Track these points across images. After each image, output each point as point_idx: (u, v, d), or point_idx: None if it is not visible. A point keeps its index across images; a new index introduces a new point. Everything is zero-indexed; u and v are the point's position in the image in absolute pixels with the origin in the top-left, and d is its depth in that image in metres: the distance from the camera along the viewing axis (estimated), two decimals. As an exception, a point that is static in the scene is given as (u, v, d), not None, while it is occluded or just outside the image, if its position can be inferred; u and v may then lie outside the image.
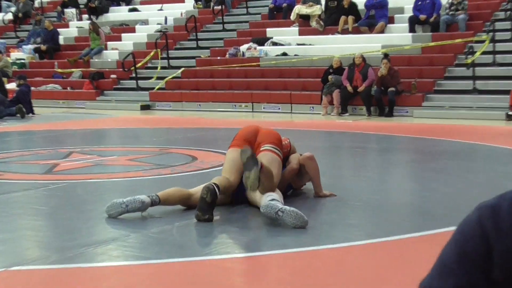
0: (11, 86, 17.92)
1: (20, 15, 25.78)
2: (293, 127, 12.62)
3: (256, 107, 16.87)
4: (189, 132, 12.70)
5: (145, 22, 23.00)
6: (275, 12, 20.53)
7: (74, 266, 4.27)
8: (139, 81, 19.23)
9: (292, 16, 19.42)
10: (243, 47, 18.70)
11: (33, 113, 16.48)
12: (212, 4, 21.78)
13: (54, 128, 13.56)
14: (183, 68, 19.07)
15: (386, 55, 15.25)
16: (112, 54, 21.35)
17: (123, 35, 22.35)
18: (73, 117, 16.38)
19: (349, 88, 15.27)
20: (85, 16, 24.62)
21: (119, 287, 3.98)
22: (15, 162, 8.99)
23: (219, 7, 21.21)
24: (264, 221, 5.27)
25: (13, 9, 26.41)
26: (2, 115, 15.71)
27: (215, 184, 5.37)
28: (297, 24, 19.35)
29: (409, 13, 17.57)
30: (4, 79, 17.73)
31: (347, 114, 15.37)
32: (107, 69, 20.58)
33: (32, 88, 17.85)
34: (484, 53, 15.16)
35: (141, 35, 21.90)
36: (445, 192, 6.48)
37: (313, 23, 18.87)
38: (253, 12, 21.45)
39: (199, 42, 20.47)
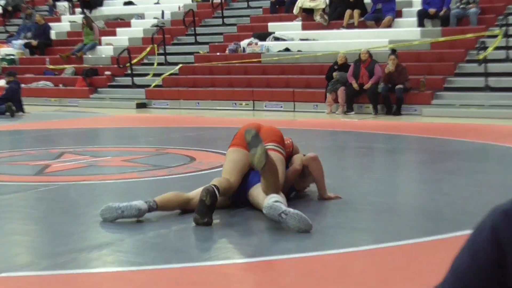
0: (0, 83, 17.93)
1: (9, 8, 25.81)
2: (296, 126, 12.61)
3: (257, 105, 16.86)
4: (187, 132, 12.69)
5: (141, 16, 23.00)
6: (277, 6, 20.53)
7: (66, 272, 4.26)
8: (134, 78, 19.23)
9: (295, 10, 19.42)
10: (244, 43, 18.69)
11: (23, 112, 16.47)
12: (211, -3, 21.79)
13: (45, 127, 13.55)
14: (180, 65, 19.06)
15: (393, 51, 15.24)
16: (106, 49, 21.36)
17: (118, 29, 22.35)
18: (65, 116, 16.38)
19: (355, 85, 15.26)
20: (78, 9, 24.64)
21: (113, 295, 3.98)
22: (4, 163, 8.99)
23: (219, 0, 21.21)
24: (266, 225, 5.26)
25: (2, 2, 26.43)
26: (-9, 113, 15.72)
27: (215, 186, 5.36)
28: (300, 18, 19.35)
29: (417, 6, 17.57)
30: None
31: (353, 112, 15.36)
32: (101, 66, 20.58)
33: (23, 85, 17.85)
34: (496, 48, 15.15)
35: (137, 29, 21.90)
36: (455, 195, 6.47)
37: (317, 17, 18.87)
38: (254, 5, 21.46)
39: (197, 37, 20.47)
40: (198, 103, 17.69)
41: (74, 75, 20.59)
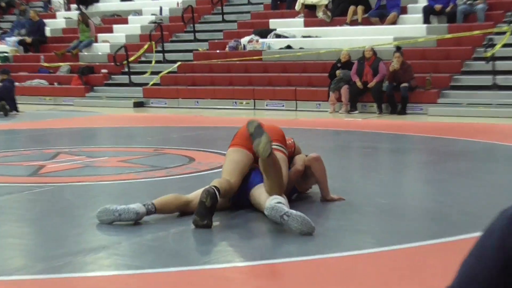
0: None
1: (3, 4, 25.81)
2: (298, 126, 12.61)
3: (258, 104, 16.86)
4: (186, 131, 12.70)
5: (138, 12, 23.00)
6: (278, 2, 20.53)
7: (61, 276, 4.27)
8: (132, 76, 19.23)
9: (297, 6, 19.42)
10: (244, 40, 18.69)
11: (17, 111, 16.47)
12: (210, -7, 21.80)
13: (40, 127, 13.56)
14: (179, 62, 19.07)
15: (398, 48, 15.24)
16: (102, 47, 21.36)
17: (114, 26, 22.35)
18: (60, 115, 16.38)
19: (359, 83, 15.26)
20: (74, 6, 24.63)
21: (110, 299, 3.98)
22: (-2, 164, 8.99)
23: (218, -4, 21.23)
24: (267, 228, 5.26)
25: (-4, -2, 26.45)
26: (-16, 113, 15.73)
27: (215, 187, 5.35)
28: (302, 14, 19.35)
29: (423, 2, 17.57)
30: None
31: (357, 111, 15.36)
32: (97, 63, 20.58)
33: (16, 83, 17.86)
34: (504, 45, 15.15)
35: (134, 26, 21.90)
36: (462, 196, 6.47)
37: (320, 14, 18.87)
38: (255, 1, 21.46)
39: (196, 34, 20.47)
40: (197, 102, 17.69)
41: (70, 73, 20.59)
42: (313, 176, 6.20)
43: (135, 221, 5.43)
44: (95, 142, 11.99)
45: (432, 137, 11.15)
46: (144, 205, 5.46)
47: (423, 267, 4.37)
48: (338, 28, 18.21)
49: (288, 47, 18.03)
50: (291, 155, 6.19)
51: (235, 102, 17.15)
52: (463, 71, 15.58)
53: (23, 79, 20.67)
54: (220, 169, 6.10)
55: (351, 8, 18.15)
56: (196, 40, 20.30)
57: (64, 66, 20.87)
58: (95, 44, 21.49)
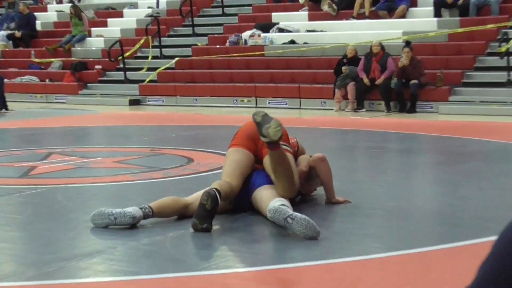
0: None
1: (-9, -3, 25.82)
2: (302, 125, 12.62)
3: (260, 102, 16.87)
4: (184, 131, 12.71)
5: (134, 5, 23.02)
6: (281, -6, 20.55)
7: (53, 282, 4.28)
8: (127, 73, 19.25)
9: (301, -1, 19.45)
10: (246, 34, 18.70)
11: (6, 109, 16.49)
12: (210, -15, 21.82)
13: (30, 126, 13.57)
14: (177, 58, 19.08)
15: (408, 43, 15.24)
16: (96, 41, 21.37)
17: (109, 20, 22.37)
18: (52, 114, 16.40)
19: (366, 80, 15.27)
20: (66, -2, 24.67)
21: (104, 306, 3.99)
22: (-13, 165, 9.01)
23: (218, -12, 21.25)
24: (270, 231, 5.27)
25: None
26: (-29, 111, 15.75)
27: (216, 189, 5.36)
28: (306, 7, 19.36)
29: (434, -5, 17.58)
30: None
31: (363, 110, 15.37)
32: (91, 59, 20.60)
33: (6, 80, 17.88)
34: (519, 40, 15.15)
35: (130, 20, 21.92)
36: (475, 199, 6.48)
37: (325, 7, 18.87)
38: (257, -6, 21.48)
39: (195, 28, 20.48)
40: (196, 99, 17.71)
41: (62, 69, 20.61)
42: (318, 178, 6.20)
43: (131, 225, 5.44)
44: (89, 142, 12.00)
45: (443, 136, 11.16)
46: (141, 208, 5.47)
47: (433, 272, 4.37)
48: (344, 21, 18.22)
49: (292, 42, 18.03)
50: (294, 155, 6.19)
51: (236, 100, 17.16)
52: (476, 67, 15.58)
53: (13, 75, 20.69)
54: (220, 170, 6.11)
55: (358, 0, 18.16)
56: (194, 34, 20.31)
57: (56, 62, 20.88)
58: (88, 39, 21.50)
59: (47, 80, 20.42)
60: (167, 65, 18.95)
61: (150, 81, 18.77)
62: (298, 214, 5.04)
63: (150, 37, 19.90)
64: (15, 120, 14.87)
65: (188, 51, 19.39)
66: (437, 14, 17.11)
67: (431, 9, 17.31)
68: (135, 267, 4.52)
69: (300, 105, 16.36)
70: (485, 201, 6.39)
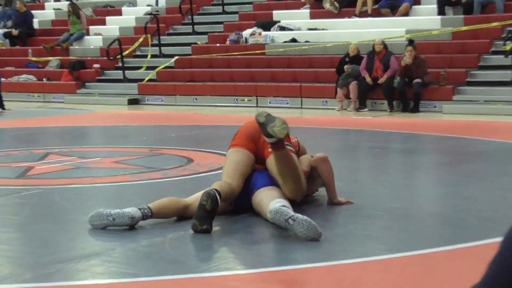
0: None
1: (-12, -5, 25.82)
2: (304, 124, 12.63)
3: (261, 101, 16.88)
4: (184, 131, 12.71)
5: (133, 3, 23.03)
6: (282, -8, 20.55)
7: (51, 284, 4.28)
8: (126, 72, 19.25)
9: (303, -4, 19.46)
10: (246, 33, 18.71)
11: (3, 108, 16.50)
12: (210, -18, 21.82)
13: (28, 126, 13.58)
14: (176, 57, 19.08)
15: (411, 42, 15.24)
16: (95, 40, 21.38)
17: (107, 18, 22.37)
18: (50, 113, 16.40)
19: (368, 79, 15.27)
20: (64, -4, 24.67)
21: (103, 309, 4.00)
22: (-17, 165, 9.02)
23: (218, -14, 21.25)
24: (271, 233, 5.27)
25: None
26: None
27: (216, 190, 5.36)
28: (308, 5, 19.36)
29: (437, -8, 17.58)
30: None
31: (366, 109, 15.38)
32: (89, 58, 20.61)
33: (2, 79, 17.88)
34: (524, 38, 15.15)
35: (129, 18, 21.93)
36: (479, 200, 6.48)
37: (327, 5, 18.87)
38: (258, -9, 21.48)
39: (195, 26, 20.48)
40: (195, 99, 17.71)
41: (59, 68, 20.61)
42: (320, 178, 6.21)
43: (130, 226, 5.45)
44: (87, 142, 12.01)
45: (446, 136, 11.16)
46: (139, 209, 5.47)
47: (435, 275, 4.38)
48: (346, 20, 18.22)
49: (293, 40, 18.04)
50: (296, 155, 6.20)
51: (236, 99, 17.16)
52: (480, 66, 15.58)
53: (10, 74, 20.69)
54: (220, 171, 6.12)
55: (360, -2, 18.17)
56: (194, 32, 20.31)
57: (54, 61, 20.89)
58: (86, 37, 21.51)
59: (44, 79, 20.42)
60: (167, 64, 18.96)
61: (149, 80, 18.78)
62: (300, 215, 5.05)
63: (149, 35, 19.91)
64: (12, 119, 14.88)
65: (188, 49, 19.39)
66: (441, 12, 17.11)
67: (434, 7, 17.31)
68: (134, 269, 4.52)
69: (301, 105, 16.36)
70: (489, 202, 6.39)
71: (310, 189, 6.39)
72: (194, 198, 5.66)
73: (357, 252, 4.82)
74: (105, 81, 19.79)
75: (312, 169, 6.17)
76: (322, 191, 6.37)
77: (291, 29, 18.46)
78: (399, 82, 14.94)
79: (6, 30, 22.72)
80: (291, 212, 5.10)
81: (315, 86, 16.49)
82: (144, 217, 5.47)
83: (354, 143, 11.18)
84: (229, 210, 5.80)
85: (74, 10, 21.42)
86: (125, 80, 19.13)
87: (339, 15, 18.55)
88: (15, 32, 22.34)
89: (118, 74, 19.50)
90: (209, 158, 9.07)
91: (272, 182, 5.74)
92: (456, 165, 8.57)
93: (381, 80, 15.14)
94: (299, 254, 4.77)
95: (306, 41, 17.86)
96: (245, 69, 17.86)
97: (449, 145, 10.42)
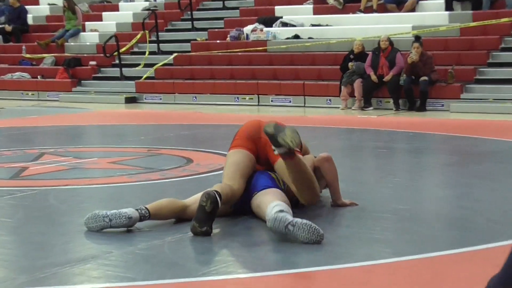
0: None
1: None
2: (307, 123, 12.63)
3: (263, 99, 16.88)
4: (183, 130, 12.72)
5: (130, -2, 23.02)
6: (285, -13, 20.55)
7: (46, 288, 4.29)
8: (123, 69, 19.26)
9: (306, -9, 19.46)
10: (247, 29, 18.71)
11: (-3, 107, 16.52)
12: (210, -23, 21.82)
13: (22, 125, 13.58)
14: (175, 54, 19.09)
15: (417, 38, 15.24)
16: (91, 36, 21.39)
17: (104, 13, 22.38)
18: (44, 112, 16.41)
19: (373, 77, 15.27)
20: (59, -9, 24.68)
21: (99, 314, 4.01)
22: (-24, 165, 9.02)
23: (219, -20, 21.25)
24: (272, 236, 5.27)
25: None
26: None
27: (216, 191, 5.36)
28: (311, 1, 19.36)
29: (445, -13, 17.58)
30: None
31: (371, 108, 15.38)
32: (85, 55, 20.62)
33: (-4, 77, 17.91)
34: (535, 35, 15.16)
35: (126, 14, 21.93)
36: (488, 201, 6.48)
37: (331, 0, 18.88)
38: (259, -14, 21.48)
39: (194, 22, 20.49)
40: (195, 97, 17.72)
41: (55, 66, 20.63)
42: (323, 179, 6.21)
43: (127, 228, 5.45)
44: (83, 142, 12.02)
45: (454, 136, 11.16)
46: (137, 209, 5.48)
47: (443, 279, 4.38)
48: (350, 15, 18.22)
49: (296, 36, 18.04)
50: (299, 155, 6.21)
51: (237, 98, 17.17)
52: (489, 63, 15.58)
53: (3, 71, 20.71)
54: (221, 171, 6.13)
55: (365, -7, 18.18)
56: (194, 29, 20.31)
57: (48, 58, 20.90)
58: (82, 34, 21.51)
59: (39, 76, 20.43)
60: (165, 61, 18.97)
61: (147, 77, 18.78)
62: (299, 220, 5.04)
63: (147, 31, 19.91)
64: (5, 118, 14.89)
65: (187, 46, 19.39)
66: (449, 7, 17.10)
67: (442, 2, 17.31)
68: (132, 273, 4.53)
69: (304, 103, 16.36)
70: (499, 203, 6.39)
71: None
72: (194, 199, 5.66)
73: (362, 255, 4.82)
74: (101, 79, 19.79)
75: (316, 170, 6.16)
76: (325, 192, 6.37)
77: (293, 25, 18.46)
78: (405, 80, 14.94)
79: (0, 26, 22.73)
80: (289, 217, 5.06)
81: (318, 84, 16.49)
82: (142, 217, 5.47)
83: (358, 143, 11.17)
84: (229, 212, 5.80)
85: (70, 5, 21.43)
86: (122, 77, 19.13)
87: (343, 10, 18.55)
88: (8, 28, 22.35)
89: (115, 71, 19.51)
90: (209, 159, 9.08)
91: (273, 183, 5.74)
92: (464, 166, 8.57)
93: (387, 77, 15.14)
94: (302, 257, 4.77)
95: (309, 38, 17.85)
96: (246, 67, 17.86)
97: (456, 145, 10.42)
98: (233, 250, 5.14)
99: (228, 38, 18.88)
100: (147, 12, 20.83)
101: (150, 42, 19.85)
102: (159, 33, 19.97)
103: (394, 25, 16.82)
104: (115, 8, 22.68)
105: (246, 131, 5.97)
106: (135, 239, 5.29)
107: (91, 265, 4.71)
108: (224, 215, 5.71)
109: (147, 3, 22.10)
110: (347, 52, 16.14)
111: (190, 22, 20.51)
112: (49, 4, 23.98)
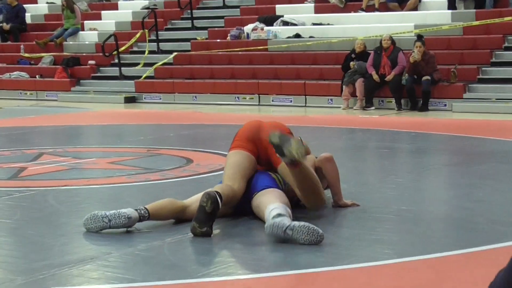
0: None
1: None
2: (308, 123, 12.63)
3: (263, 99, 16.88)
4: (183, 130, 12.72)
5: (129, -3, 23.03)
6: (286, -15, 20.55)
7: (44, 290, 4.29)
8: (122, 69, 19.26)
9: (307, -10, 19.47)
10: (248, 28, 18.71)
11: (-5, 107, 16.53)
12: (210, -25, 21.82)
13: (20, 125, 13.59)
14: (175, 53, 19.09)
15: (420, 37, 15.24)
16: (90, 35, 21.39)
17: (103, 12, 22.38)
18: (43, 112, 16.41)
19: (375, 76, 15.27)
20: (58, -11, 24.68)
21: (98, 315, 4.01)
22: (-26, 166, 9.02)
23: (219, -21, 21.26)
24: (272, 237, 5.27)
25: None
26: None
27: (217, 192, 5.36)
28: (312, -1, 19.37)
29: (447, -14, 17.59)
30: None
31: (373, 107, 15.38)
32: (84, 54, 20.62)
33: (-6, 76, 17.92)
34: (538, 34, 15.15)
35: (125, 12, 21.93)
36: (491, 202, 6.48)
37: (332, -2, 18.89)
38: (260, -15, 21.48)
39: (194, 21, 20.49)
40: (195, 97, 17.72)
41: (53, 65, 20.63)
42: (324, 179, 6.21)
43: (127, 229, 5.45)
44: (82, 142, 12.02)
45: (457, 136, 11.16)
46: (136, 210, 5.48)
47: (446, 280, 4.38)
48: (352, 14, 18.22)
49: (297, 35, 18.04)
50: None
51: (238, 97, 17.17)
52: (492, 62, 15.58)
53: (1, 71, 20.71)
54: (221, 172, 6.13)
55: (367, -8, 18.18)
56: (194, 28, 20.32)
57: (47, 57, 20.90)
58: (81, 33, 21.52)
59: (37, 76, 20.43)
60: (165, 61, 18.96)
61: (147, 77, 18.78)
62: (296, 223, 5.03)
63: (146, 30, 19.92)
64: (3, 118, 14.88)
65: (187, 45, 19.39)
66: (451, 6, 17.10)
67: (444, 0, 17.31)
68: (131, 274, 4.53)
69: (305, 103, 16.36)
70: (503, 204, 6.39)
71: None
72: (193, 200, 5.66)
73: (364, 257, 4.82)
74: (100, 78, 19.79)
75: (317, 170, 6.16)
76: (327, 193, 6.36)
77: (294, 24, 18.46)
78: (407, 79, 14.94)
79: (-3, 25, 22.74)
80: (286, 222, 5.05)
81: (319, 84, 16.49)
82: (141, 218, 5.47)
83: (360, 143, 11.17)
84: (229, 212, 5.80)
85: (68, 4, 21.42)
86: (122, 77, 19.14)
87: (344, 9, 18.56)
88: (6, 27, 22.35)
89: (114, 71, 19.51)
90: (209, 159, 9.08)
91: (273, 183, 5.74)
92: (467, 166, 8.57)
93: (389, 77, 15.14)
94: (303, 258, 4.77)
95: (310, 37, 17.86)
96: (247, 66, 17.86)
97: (459, 145, 10.42)
98: (233, 251, 5.14)
99: (228, 37, 18.88)
100: (146, 10, 20.83)
101: (150, 41, 19.86)
102: (159, 32, 19.97)
103: (396, 24, 16.82)
104: (114, 7, 22.68)
105: (246, 131, 5.97)
106: (134, 240, 5.29)
107: (90, 266, 4.71)
108: (224, 215, 5.71)
109: (146, 2, 22.11)
110: (348, 51, 16.14)
111: (190, 21, 20.51)
112: (47, 3, 23.99)
